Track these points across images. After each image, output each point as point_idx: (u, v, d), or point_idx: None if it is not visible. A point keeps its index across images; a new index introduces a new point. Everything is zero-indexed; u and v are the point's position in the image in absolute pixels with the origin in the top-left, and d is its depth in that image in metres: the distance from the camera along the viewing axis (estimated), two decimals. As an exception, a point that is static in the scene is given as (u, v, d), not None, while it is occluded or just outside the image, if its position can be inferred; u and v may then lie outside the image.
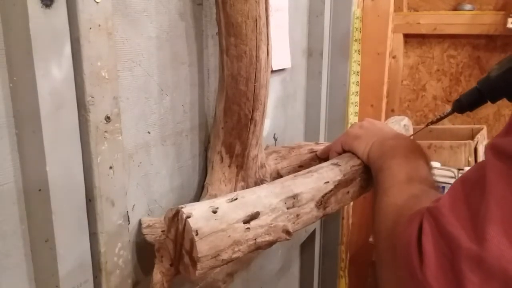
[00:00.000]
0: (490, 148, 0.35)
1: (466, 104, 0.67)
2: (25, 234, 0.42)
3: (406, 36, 1.69)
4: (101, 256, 0.47)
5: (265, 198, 0.51)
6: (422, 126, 0.84)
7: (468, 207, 0.34)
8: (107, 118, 0.45)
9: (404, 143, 0.61)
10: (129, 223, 0.51)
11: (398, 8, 1.60)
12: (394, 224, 0.43)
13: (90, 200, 0.45)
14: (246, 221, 0.47)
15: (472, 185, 0.35)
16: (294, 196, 0.53)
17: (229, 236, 0.45)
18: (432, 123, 0.77)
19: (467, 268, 0.31)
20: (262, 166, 0.71)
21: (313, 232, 1.21)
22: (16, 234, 0.41)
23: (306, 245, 1.22)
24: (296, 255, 1.22)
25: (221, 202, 0.47)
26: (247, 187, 0.68)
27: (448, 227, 0.34)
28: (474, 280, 0.31)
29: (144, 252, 0.57)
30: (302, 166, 0.75)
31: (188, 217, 0.43)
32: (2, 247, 0.40)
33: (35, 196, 0.41)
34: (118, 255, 0.49)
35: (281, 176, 0.71)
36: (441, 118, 0.74)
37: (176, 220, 0.45)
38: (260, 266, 0.89)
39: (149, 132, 0.56)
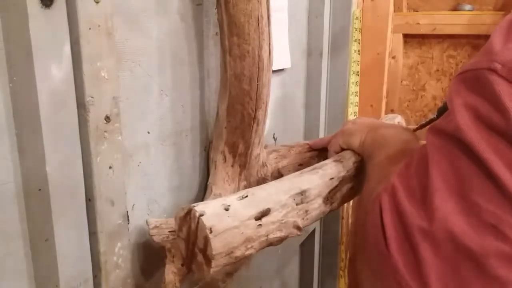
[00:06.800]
0: (429, 130, 0.39)
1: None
2: (25, 233, 0.42)
3: (406, 36, 1.69)
4: (101, 256, 0.47)
5: (274, 194, 0.51)
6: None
7: (416, 182, 0.37)
8: (107, 118, 0.45)
9: (395, 131, 0.62)
10: (128, 223, 0.51)
11: (397, 9, 1.60)
12: (366, 207, 0.44)
13: (89, 199, 0.45)
14: (258, 218, 0.47)
15: (418, 162, 0.38)
16: (302, 192, 0.54)
17: (242, 233, 0.45)
18: (418, 128, 0.77)
19: (420, 238, 0.34)
20: (264, 165, 0.71)
21: (313, 232, 1.21)
22: (16, 234, 0.41)
23: (306, 245, 1.22)
24: (296, 254, 1.22)
25: (232, 200, 0.47)
26: (250, 186, 0.68)
27: (401, 201, 0.37)
28: (427, 248, 0.33)
29: (144, 251, 0.57)
30: (302, 165, 0.75)
31: (201, 215, 0.43)
32: (2, 246, 0.40)
33: (35, 196, 0.41)
34: (118, 255, 0.49)
35: (281, 175, 0.72)
36: (426, 124, 0.75)
37: (188, 219, 0.45)
38: (260, 266, 0.89)
39: (148, 132, 0.56)
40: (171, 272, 0.52)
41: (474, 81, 0.35)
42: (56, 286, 0.43)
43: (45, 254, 0.42)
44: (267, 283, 0.97)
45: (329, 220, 1.30)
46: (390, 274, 0.35)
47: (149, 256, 0.58)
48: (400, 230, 0.36)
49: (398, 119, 0.87)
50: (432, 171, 0.36)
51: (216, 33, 0.65)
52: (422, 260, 0.33)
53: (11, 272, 0.41)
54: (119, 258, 0.49)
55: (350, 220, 1.42)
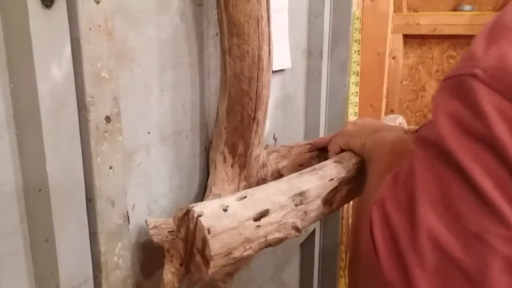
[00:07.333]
0: (415, 139, 0.39)
1: None
2: (25, 233, 0.42)
3: (406, 37, 1.69)
4: (101, 256, 0.47)
5: (273, 195, 0.51)
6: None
7: (403, 193, 0.37)
8: (107, 118, 0.45)
9: (395, 134, 0.61)
10: (129, 223, 0.51)
11: (397, 9, 1.60)
12: (360, 216, 0.44)
13: (90, 200, 0.45)
14: (257, 219, 0.47)
15: (406, 172, 0.38)
16: (301, 193, 0.54)
17: (241, 233, 0.45)
18: (417, 131, 0.77)
19: (408, 249, 0.34)
20: (264, 165, 0.71)
21: (313, 232, 1.21)
22: (16, 234, 0.41)
23: (306, 245, 1.22)
24: (296, 255, 1.22)
25: (231, 201, 0.47)
26: (249, 186, 0.68)
27: (389, 213, 0.37)
28: (415, 259, 0.34)
29: (144, 252, 0.57)
30: (302, 165, 0.75)
31: (200, 215, 0.43)
32: (3, 246, 0.40)
33: (35, 196, 0.41)
34: (118, 255, 0.49)
35: (282, 175, 0.72)
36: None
37: (186, 219, 0.45)
38: (260, 266, 0.89)
39: (149, 132, 0.56)
40: (169, 272, 0.52)
41: (456, 88, 0.35)
42: (57, 286, 0.43)
43: (46, 254, 0.42)
44: (267, 283, 0.97)
45: (329, 220, 1.30)
46: (383, 286, 0.36)
47: (150, 256, 0.58)
48: (390, 242, 0.36)
49: (399, 120, 0.87)
50: (416, 182, 0.36)
51: (217, 34, 0.65)
52: (411, 272, 0.34)
53: (11, 272, 0.41)
54: (120, 258, 0.49)
55: (350, 220, 1.42)
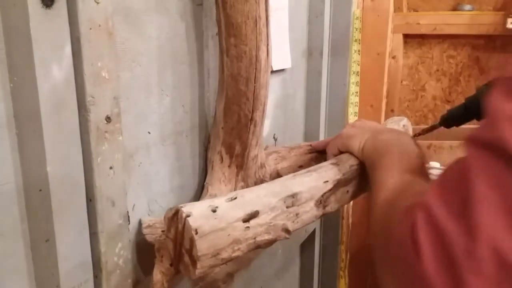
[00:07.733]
0: (468, 141, 0.37)
1: (452, 120, 0.68)
2: (25, 234, 0.42)
3: (406, 36, 1.69)
4: (102, 256, 0.47)
5: (264, 197, 0.51)
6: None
7: (455, 197, 0.35)
8: (108, 118, 0.45)
9: (396, 137, 0.61)
10: (129, 223, 0.51)
11: (397, 9, 1.60)
12: (387, 220, 0.44)
13: (90, 200, 0.45)
14: (246, 220, 0.47)
15: (457, 176, 0.36)
16: (293, 195, 0.53)
17: (229, 235, 0.45)
18: (419, 134, 0.77)
19: (463, 257, 0.32)
20: (262, 166, 0.71)
21: (313, 232, 1.21)
22: (16, 234, 0.41)
23: (306, 245, 1.22)
24: (296, 255, 1.22)
25: (220, 201, 0.47)
26: (247, 187, 0.68)
27: (439, 219, 0.35)
28: (471, 269, 0.32)
29: (144, 252, 0.57)
30: (302, 166, 0.75)
31: (188, 216, 0.43)
32: (3, 247, 0.40)
33: (35, 196, 0.41)
34: (119, 255, 0.49)
35: (280, 176, 0.72)
36: (428, 131, 0.75)
37: (175, 219, 0.45)
38: (260, 266, 0.89)
39: (149, 132, 0.56)
40: (159, 272, 0.52)
41: None
42: (57, 286, 0.43)
43: (46, 255, 0.42)
44: (268, 283, 0.97)
45: (329, 220, 1.30)
46: None
47: (150, 256, 0.58)
48: (438, 247, 0.34)
49: (403, 122, 0.86)
50: (474, 185, 0.34)
51: (216, 33, 0.65)
52: (464, 278, 0.32)
53: (11, 272, 0.41)
54: (120, 259, 0.49)
55: (350, 220, 1.42)
